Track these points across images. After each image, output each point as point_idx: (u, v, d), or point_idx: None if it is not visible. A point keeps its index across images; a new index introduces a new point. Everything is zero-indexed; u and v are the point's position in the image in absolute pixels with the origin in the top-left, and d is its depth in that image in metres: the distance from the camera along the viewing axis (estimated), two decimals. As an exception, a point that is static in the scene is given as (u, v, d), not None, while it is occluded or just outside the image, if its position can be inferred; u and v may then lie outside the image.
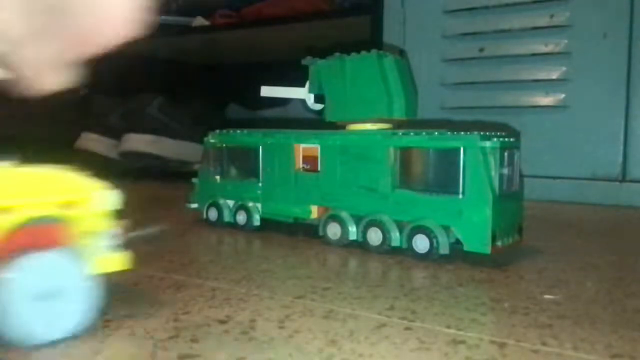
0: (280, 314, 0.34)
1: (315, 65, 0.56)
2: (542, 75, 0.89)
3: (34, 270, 0.27)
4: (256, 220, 0.58)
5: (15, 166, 0.29)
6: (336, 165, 0.52)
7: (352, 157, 0.51)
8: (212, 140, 0.61)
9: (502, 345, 0.29)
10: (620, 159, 0.85)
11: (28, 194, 0.29)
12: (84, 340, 0.29)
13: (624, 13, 0.83)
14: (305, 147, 0.55)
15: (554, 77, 0.88)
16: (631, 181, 0.84)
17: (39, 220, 0.29)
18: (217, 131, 0.62)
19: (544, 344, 0.29)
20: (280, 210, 0.56)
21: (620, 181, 0.85)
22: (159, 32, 1.40)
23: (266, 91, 0.45)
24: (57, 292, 0.28)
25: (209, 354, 0.28)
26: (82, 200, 0.31)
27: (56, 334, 0.28)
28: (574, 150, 0.88)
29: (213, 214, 0.61)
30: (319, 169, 0.53)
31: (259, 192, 0.58)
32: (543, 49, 0.89)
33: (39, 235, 0.29)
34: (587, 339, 0.30)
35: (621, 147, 0.85)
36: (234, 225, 0.60)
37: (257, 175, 0.58)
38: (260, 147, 0.57)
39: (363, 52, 0.52)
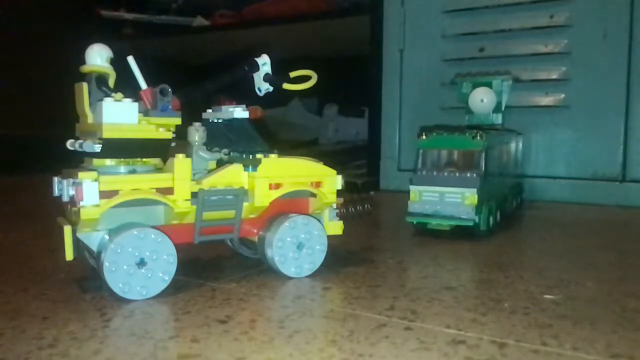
0: (280, 314, 0.34)
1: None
2: (542, 75, 0.89)
3: (292, 226, 0.42)
4: None
5: (279, 156, 0.41)
6: None
7: None
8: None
9: (502, 345, 0.29)
10: (620, 159, 0.85)
11: (291, 175, 0.42)
12: (84, 340, 0.29)
13: (624, 13, 0.83)
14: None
15: (554, 77, 0.89)
16: (631, 181, 0.84)
17: (296, 194, 0.43)
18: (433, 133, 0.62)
19: (544, 344, 0.29)
20: None
21: (620, 181, 0.85)
22: (159, 32, 1.40)
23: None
24: (306, 242, 0.43)
25: (209, 354, 0.28)
26: (324, 182, 0.44)
27: (310, 268, 0.43)
28: (574, 150, 0.88)
29: None
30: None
31: None
32: (543, 49, 0.89)
33: (294, 204, 0.44)
34: (587, 339, 0.30)
35: (621, 147, 0.85)
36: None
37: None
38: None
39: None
